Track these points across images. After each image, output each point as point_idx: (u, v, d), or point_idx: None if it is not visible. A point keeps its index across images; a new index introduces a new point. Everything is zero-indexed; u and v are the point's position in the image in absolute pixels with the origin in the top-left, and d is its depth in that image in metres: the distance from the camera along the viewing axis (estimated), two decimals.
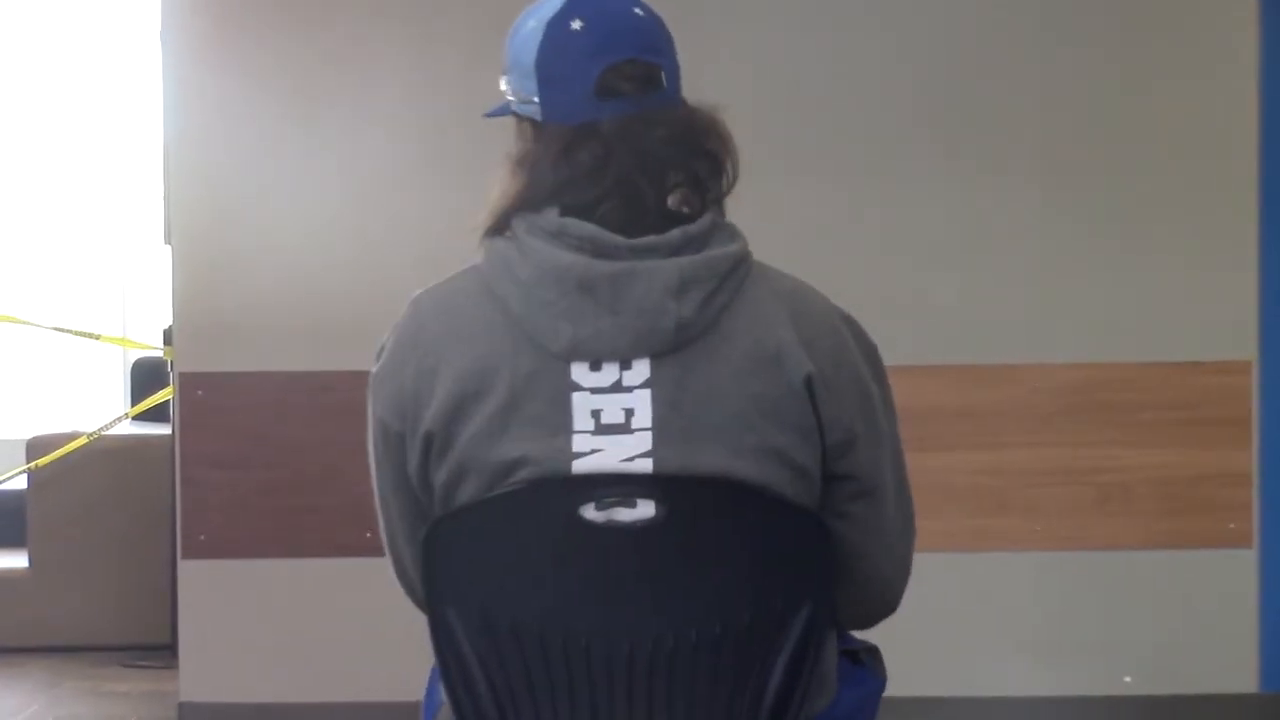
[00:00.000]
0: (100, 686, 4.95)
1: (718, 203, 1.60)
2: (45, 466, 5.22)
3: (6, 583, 5.43)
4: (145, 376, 6.28)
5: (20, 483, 5.53)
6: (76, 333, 5.83)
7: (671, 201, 1.56)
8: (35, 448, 5.34)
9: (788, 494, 1.52)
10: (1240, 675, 4.44)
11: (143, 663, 5.06)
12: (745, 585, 1.52)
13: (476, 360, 1.52)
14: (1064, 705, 4.49)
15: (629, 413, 1.49)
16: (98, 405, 7.55)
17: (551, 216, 1.52)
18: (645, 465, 1.49)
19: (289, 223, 4.43)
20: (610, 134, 1.55)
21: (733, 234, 1.58)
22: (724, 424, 1.49)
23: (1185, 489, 4.52)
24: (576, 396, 1.50)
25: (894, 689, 2.02)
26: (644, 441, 1.49)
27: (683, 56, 1.69)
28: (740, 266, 1.56)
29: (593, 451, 1.48)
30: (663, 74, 1.59)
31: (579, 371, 1.50)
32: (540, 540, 1.50)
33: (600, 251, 1.50)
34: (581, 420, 1.49)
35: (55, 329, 5.84)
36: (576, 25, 1.57)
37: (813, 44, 4.79)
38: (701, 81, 1.83)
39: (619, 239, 1.51)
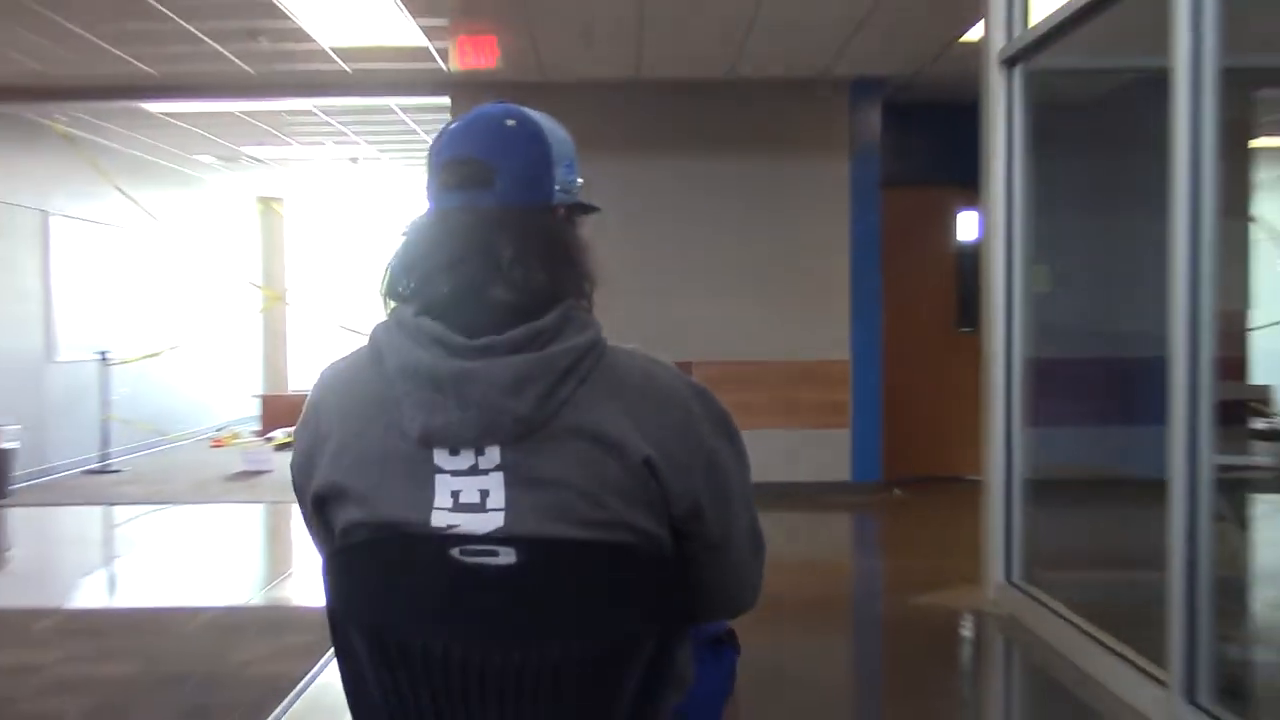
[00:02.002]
0: None
1: (571, 296, 1.56)
2: None
3: None
4: None
5: None
6: None
7: (512, 297, 1.51)
8: None
9: (636, 549, 1.50)
10: (842, 470, 8.93)
11: None
12: (602, 618, 1.49)
13: (357, 436, 1.52)
14: (770, 486, 8.41)
15: (484, 494, 1.46)
16: None
17: (408, 314, 1.52)
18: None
19: None
20: (440, 222, 1.57)
21: (584, 325, 1.54)
22: (571, 503, 1.46)
23: (823, 406, 8.94)
24: (439, 478, 1.47)
25: None
26: (497, 519, 1.46)
27: None
28: (585, 359, 1.51)
29: (450, 527, 1.46)
30: (495, 174, 1.54)
31: (440, 456, 1.48)
32: (422, 577, 1.49)
33: (447, 350, 1.48)
34: (442, 498, 1.47)
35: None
36: (454, 125, 1.61)
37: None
38: None
39: (458, 340, 1.48)
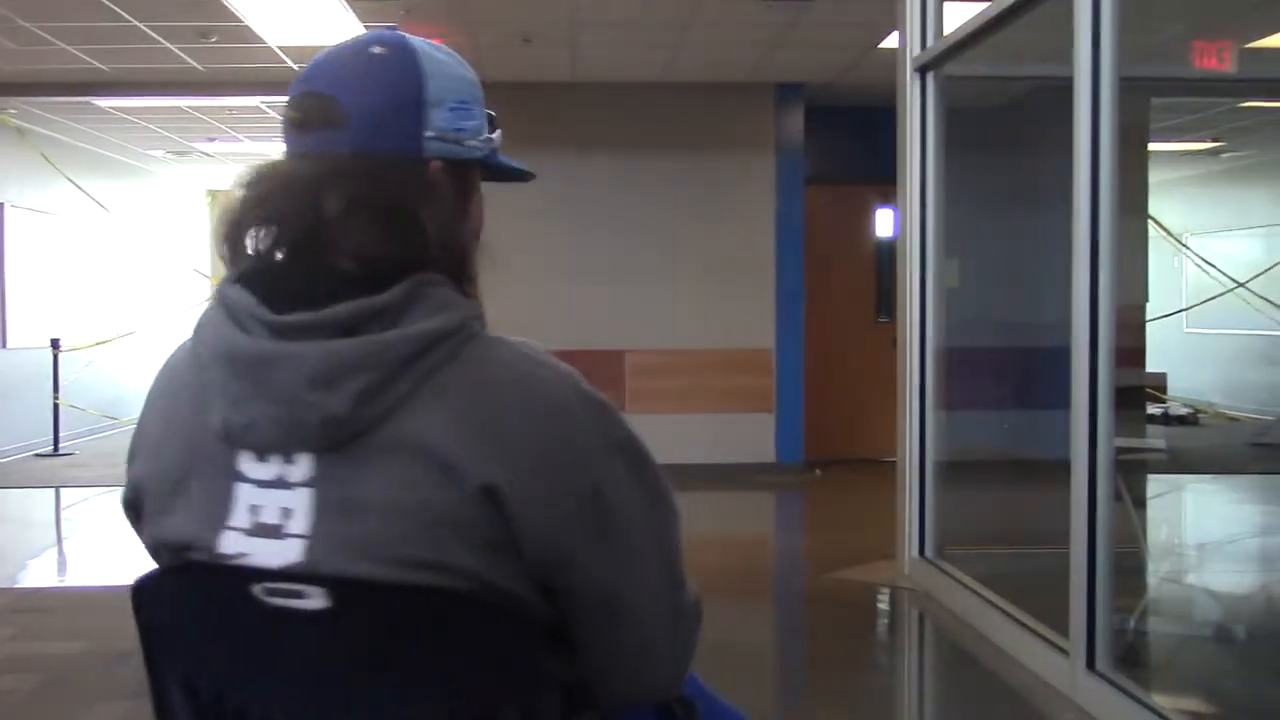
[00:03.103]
0: None
1: (426, 269, 1.14)
2: None
3: None
4: None
5: None
6: None
7: (348, 266, 1.13)
8: None
9: (472, 599, 1.10)
10: (767, 451, 9.03)
11: None
12: (434, 683, 1.11)
13: (163, 431, 1.19)
14: (698, 468, 8.37)
15: (286, 513, 1.10)
16: None
17: (226, 284, 1.16)
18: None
19: None
20: (273, 169, 1.19)
21: (441, 307, 1.13)
22: (386, 535, 1.08)
23: (749, 392, 9.01)
24: (241, 487, 1.12)
25: None
26: (295, 550, 1.09)
27: None
28: (434, 351, 1.11)
29: (239, 555, 1.11)
30: (349, 114, 1.17)
31: (246, 461, 1.12)
32: (225, 616, 1.14)
33: (260, 327, 1.11)
34: (239, 516, 1.12)
35: None
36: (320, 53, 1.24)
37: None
38: None
39: (263, 313, 1.11)
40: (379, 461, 1.09)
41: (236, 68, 8.12)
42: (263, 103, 9.21)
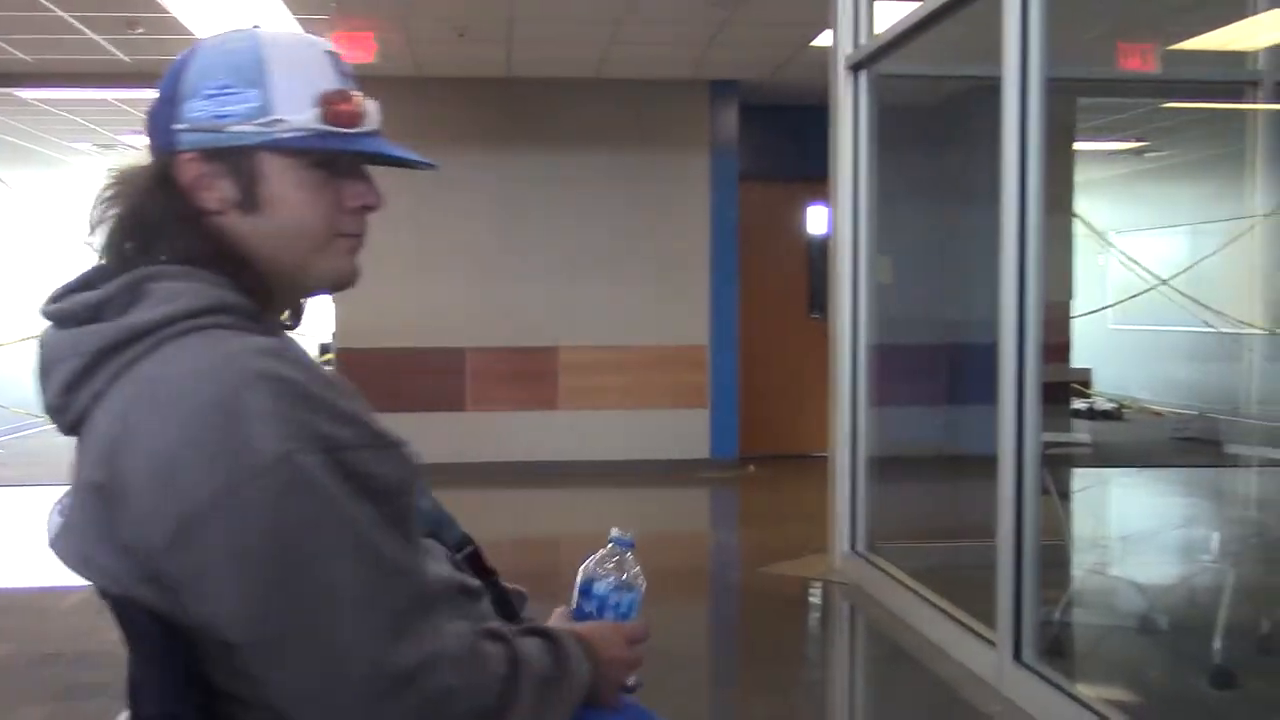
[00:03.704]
0: None
1: (153, 263, 1.16)
2: None
3: None
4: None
5: None
6: None
7: (98, 260, 1.20)
8: None
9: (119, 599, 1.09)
10: (701, 448, 9.01)
11: None
12: (142, 680, 1.12)
13: None
14: (633, 464, 8.68)
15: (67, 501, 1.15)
16: None
17: None
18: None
19: None
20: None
21: (164, 300, 1.12)
22: (74, 531, 1.12)
23: (683, 388, 9.00)
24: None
25: None
26: (53, 531, 1.17)
27: None
28: (137, 343, 1.10)
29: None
30: (150, 113, 1.22)
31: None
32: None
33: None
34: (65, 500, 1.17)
35: None
36: None
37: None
38: None
39: (42, 303, 1.20)
40: (84, 451, 1.13)
41: (164, 59, 7.96)
42: None
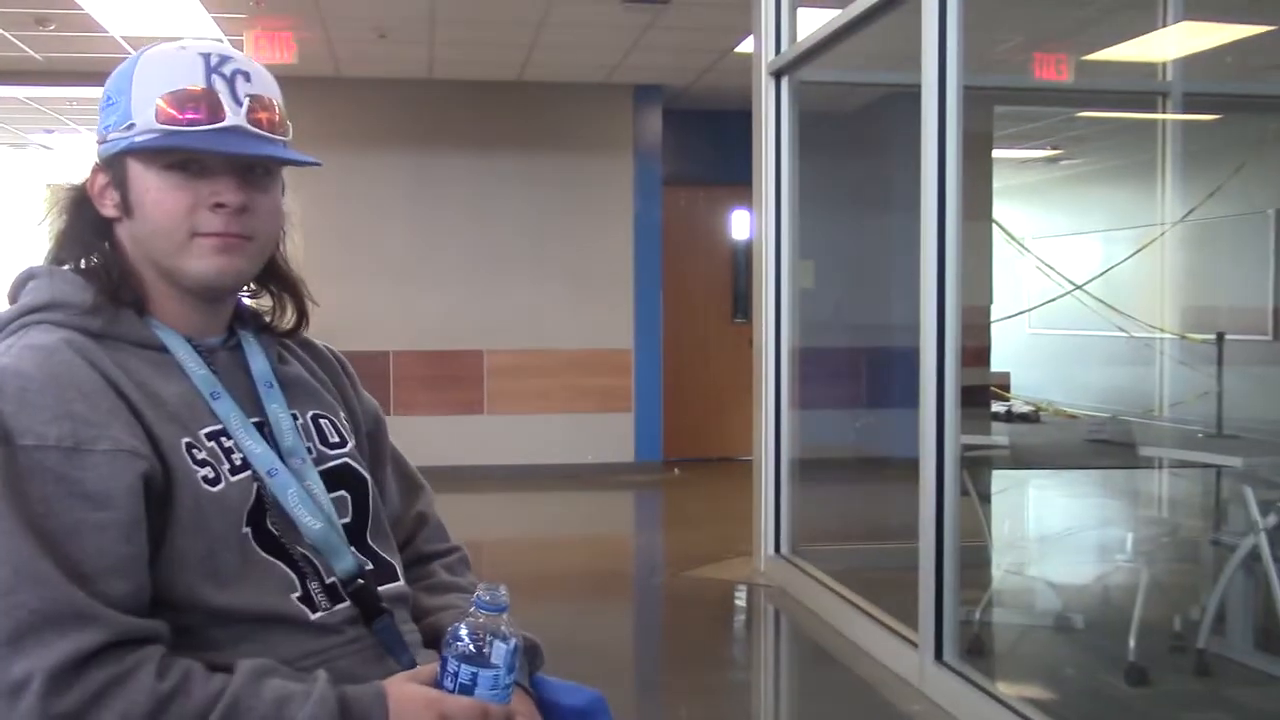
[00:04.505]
0: None
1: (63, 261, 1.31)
2: None
3: None
4: None
5: None
6: None
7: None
8: None
9: None
10: (626, 451, 9.01)
11: None
12: None
13: None
14: (558, 468, 8.72)
15: None
16: None
17: None
18: None
19: None
20: None
21: (26, 295, 1.29)
22: None
23: (607, 391, 8.98)
24: None
25: None
26: None
27: None
28: (2, 330, 1.27)
29: None
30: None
31: None
32: None
33: None
34: None
35: None
36: None
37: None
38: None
39: None
40: None
41: (77, 57, 7.82)
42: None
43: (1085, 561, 5.79)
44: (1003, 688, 3.78)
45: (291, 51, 7.48)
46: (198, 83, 1.26)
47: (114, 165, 1.30)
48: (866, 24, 4.65)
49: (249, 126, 1.27)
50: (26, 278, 1.31)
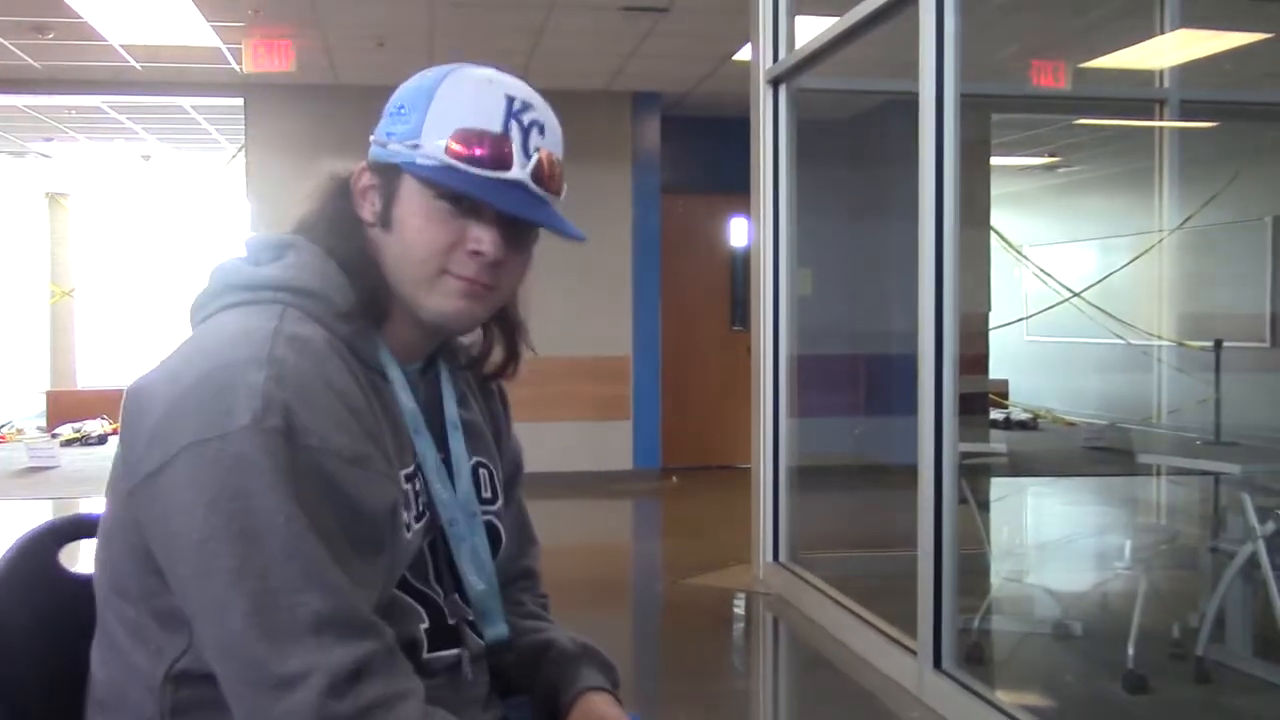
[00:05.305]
0: None
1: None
2: None
3: None
4: None
5: None
6: None
7: None
8: None
9: None
10: (624, 459, 9.06)
11: None
12: None
13: None
14: (556, 476, 8.53)
15: None
16: None
17: None
18: None
19: None
20: None
21: (285, 268, 1.24)
22: None
23: (606, 399, 9.02)
24: None
25: None
26: None
27: None
28: (250, 292, 1.22)
29: None
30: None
31: None
32: None
33: None
34: None
35: None
36: None
37: None
38: None
39: None
40: None
41: (76, 65, 7.82)
42: (104, 102, 8.88)
43: (1084, 569, 5.79)
44: (1002, 695, 3.77)
45: (290, 60, 7.48)
46: (495, 126, 1.23)
47: (386, 173, 1.26)
48: (864, 32, 4.65)
49: (530, 184, 1.25)
50: (285, 246, 1.25)
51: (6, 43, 7.20)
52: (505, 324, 1.40)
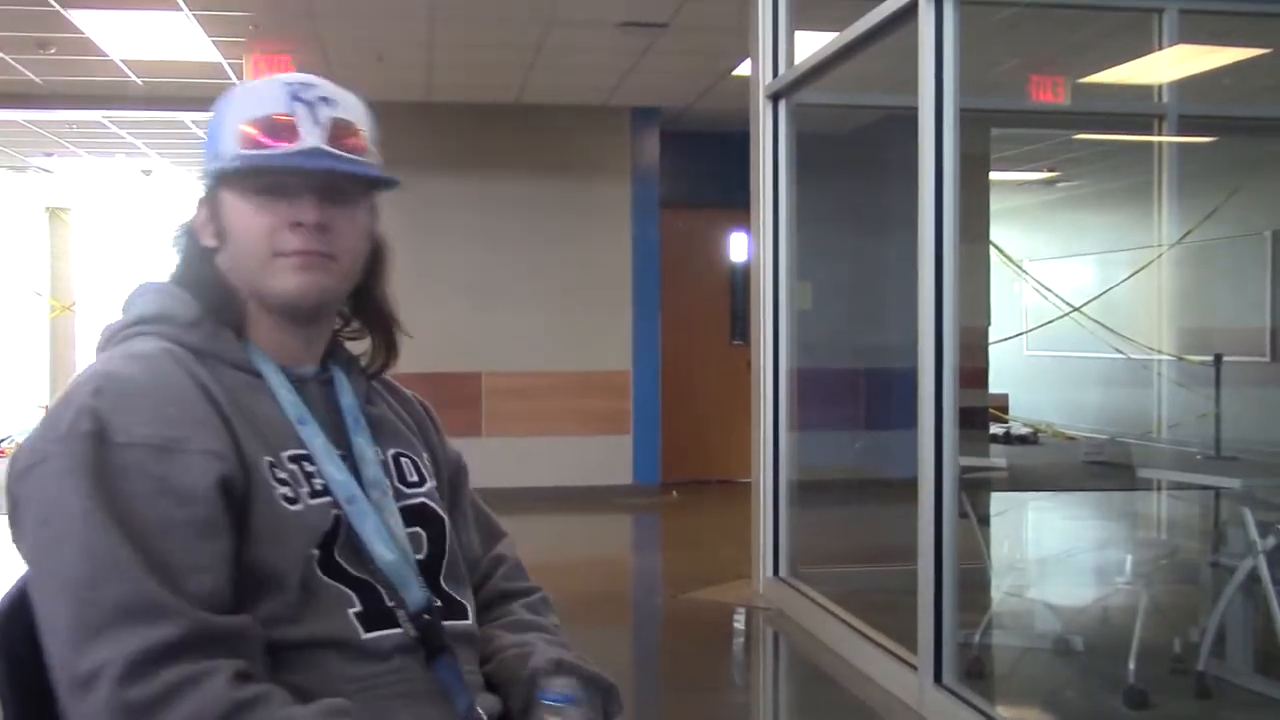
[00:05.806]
0: None
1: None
2: None
3: None
4: None
5: None
6: None
7: None
8: None
9: None
10: (624, 474, 9.04)
11: None
12: None
13: None
14: (556, 490, 8.70)
15: None
16: None
17: None
18: None
19: None
20: None
21: (129, 309, 1.37)
22: None
23: (606, 414, 9.01)
24: None
25: None
26: None
27: None
28: (111, 339, 1.35)
29: None
30: None
31: None
32: None
33: None
34: None
35: None
36: None
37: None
38: None
39: None
40: None
41: (77, 80, 7.84)
42: (106, 117, 8.89)
43: (1084, 583, 5.77)
44: (1002, 710, 3.77)
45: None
46: (279, 109, 1.29)
47: (209, 196, 1.35)
48: (864, 47, 4.67)
49: (328, 148, 1.29)
50: (139, 292, 1.37)
51: (8, 58, 7.22)
52: (378, 319, 1.47)
